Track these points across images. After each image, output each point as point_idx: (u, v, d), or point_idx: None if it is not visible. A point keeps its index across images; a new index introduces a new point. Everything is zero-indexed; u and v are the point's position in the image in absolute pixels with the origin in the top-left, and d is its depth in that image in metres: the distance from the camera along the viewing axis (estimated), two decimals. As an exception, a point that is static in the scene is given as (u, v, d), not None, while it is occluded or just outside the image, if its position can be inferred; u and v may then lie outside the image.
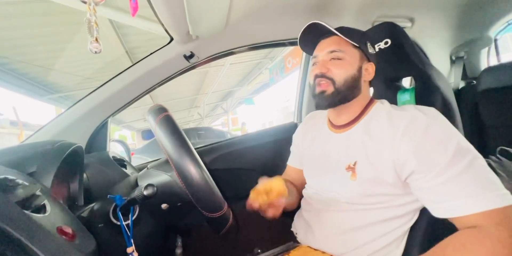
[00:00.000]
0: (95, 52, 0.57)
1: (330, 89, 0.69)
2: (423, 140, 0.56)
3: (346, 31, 0.70)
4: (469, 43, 1.31)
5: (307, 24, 0.72)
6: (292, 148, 0.96)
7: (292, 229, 0.84)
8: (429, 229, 0.65)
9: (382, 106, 0.70)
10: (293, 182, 0.93)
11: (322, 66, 0.70)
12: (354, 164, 0.66)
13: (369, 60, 0.73)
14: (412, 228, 0.67)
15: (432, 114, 0.61)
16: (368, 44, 0.72)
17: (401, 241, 0.66)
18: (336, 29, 0.70)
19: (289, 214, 0.88)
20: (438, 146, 0.55)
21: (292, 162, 0.95)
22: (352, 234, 0.67)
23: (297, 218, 0.85)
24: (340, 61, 0.69)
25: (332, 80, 0.69)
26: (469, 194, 0.51)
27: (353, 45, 0.70)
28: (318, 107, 0.72)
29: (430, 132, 0.57)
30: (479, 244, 0.48)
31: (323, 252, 0.63)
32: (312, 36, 0.75)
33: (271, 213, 0.69)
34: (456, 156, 0.53)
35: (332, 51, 0.70)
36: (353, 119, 0.72)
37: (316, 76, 0.71)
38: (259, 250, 0.71)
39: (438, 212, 0.56)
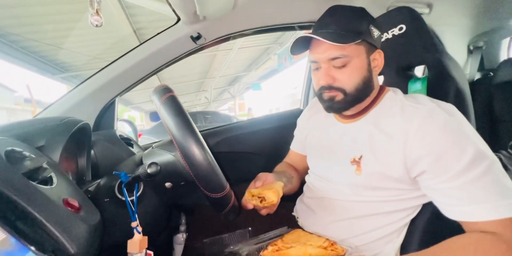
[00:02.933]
0: (96, 25, 0.56)
1: (339, 96, 0.64)
2: (439, 140, 0.53)
3: (340, 25, 0.60)
4: (489, 33, 1.24)
5: (298, 37, 0.63)
6: (296, 133, 0.94)
7: (293, 213, 0.86)
8: (431, 221, 0.64)
9: (394, 96, 0.66)
10: (295, 166, 0.93)
11: (326, 75, 0.63)
12: (360, 158, 0.64)
13: (375, 47, 0.65)
14: (414, 219, 0.66)
15: (451, 111, 0.56)
16: (372, 27, 0.62)
17: (402, 231, 0.66)
18: (325, 21, 0.62)
19: (291, 198, 0.89)
20: (455, 150, 0.51)
21: (295, 146, 0.94)
22: (353, 223, 0.67)
23: (299, 202, 0.86)
24: (346, 68, 0.61)
25: (341, 90, 0.63)
26: (484, 201, 0.49)
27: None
28: (328, 110, 0.68)
29: (448, 132, 0.53)
30: (496, 252, 0.47)
31: (319, 236, 0.63)
32: (304, 39, 0.64)
33: (265, 212, 0.69)
34: (473, 161, 0.50)
35: (333, 59, 0.61)
36: (361, 109, 0.68)
37: (322, 88, 0.65)
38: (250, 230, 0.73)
39: (448, 213, 0.54)
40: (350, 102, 0.65)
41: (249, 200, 0.66)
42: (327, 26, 0.62)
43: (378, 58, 0.66)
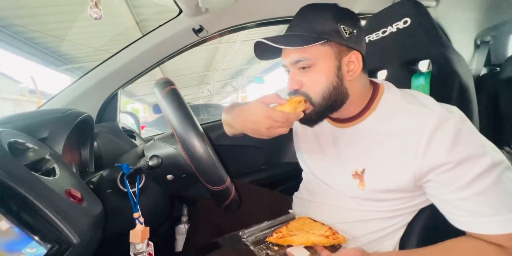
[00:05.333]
0: (95, 17, 0.56)
1: (309, 108, 0.60)
2: (453, 151, 0.49)
3: (303, 26, 0.57)
4: (497, 27, 1.21)
5: (255, 42, 0.59)
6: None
7: (290, 210, 0.85)
8: (431, 216, 0.64)
9: (391, 97, 0.60)
10: None
11: (293, 80, 0.59)
12: (362, 172, 0.60)
13: (350, 47, 0.57)
14: (413, 218, 0.66)
15: (458, 115, 0.53)
16: (341, 26, 0.56)
17: (400, 230, 0.65)
18: (293, 23, 0.58)
19: (288, 192, 0.89)
20: (468, 162, 0.48)
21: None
22: (353, 226, 0.66)
23: (296, 200, 0.84)
24: (311, 72, 0.57)
25: (307, 97, 0.58)
26: (491, 214, 0.47)
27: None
28: (302, 123, 0.63)
29: (461, 143, 0.49)
30: None
31: (322, 224, 0.64)
32: (269, 45, 0.57)
33: (283, 131, 0.59)
34: (484, 172, 0.47)
35: (297, 62, 0.57)
36: (356, 113, 0.63)
37: (290, 93, 0.61)
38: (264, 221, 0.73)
39: (454, 222, 0.52)
40: (320, 113, 0.60)
41: (293, 109, 0.57)
42: (292, 27, 0.59)
43: (355, 61, 0.58)
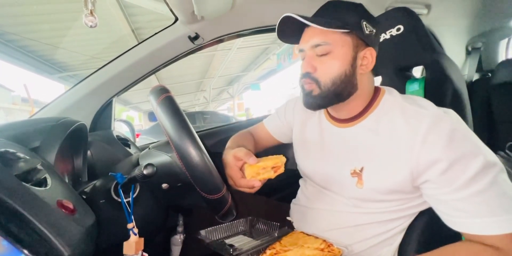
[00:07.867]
0: (90, 26, 0.56)
1: (316, 90, 0.61)
2: (448, 150, 0.50)
3: (330, 15, 0.60)
4: (488, 34, 1.25)
5: (282, 17, 0.61)
6: (279, 113, 0.88)
7: (288, 218, 0.84)
8: (429, 221, 0.64)
9: (392, 99, 0.62)
10: (256, 140, 0.88)
11: (308, 63, 0.61)
12: (361, 170, 0.61)
13: (367, 44, 0.61)
14: (413, 220, 0.66)
15: (454, 116, 0.54)
16: (364, 23, 0.59)
17: (398, 236, 0.65)
18: (318, 12, 0.62)
19: (285, 200, 0.88)
20: (463, 160, 0.49)
21: (270, 126, 0.90)
22: (351, 231, 0.66)
23: (294, 207, 0.84)
24: (328, 57, 0.59)
25: (316, 82, 0.61)
26: (488, 215, 0.48)
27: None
28: (306, 106, 0.65)
29: (456, 141, 0.50)
30: None
31: (316, 238, 0.63)
32: (293, 26, 0.63)
33: (250, 191, 0.64)
34: (480, 173, 0.48)
35: (316, 45, 0.60)
36: (357, 113, 0.65)
37: (302, 76, 0.63)
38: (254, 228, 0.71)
39: (450, 223, 0.53)
40: (326, 98, 0.61)
41: (255, 175, 0.60)
42: (315, 16, 0.63)
43: (369, 57, 0.61)
